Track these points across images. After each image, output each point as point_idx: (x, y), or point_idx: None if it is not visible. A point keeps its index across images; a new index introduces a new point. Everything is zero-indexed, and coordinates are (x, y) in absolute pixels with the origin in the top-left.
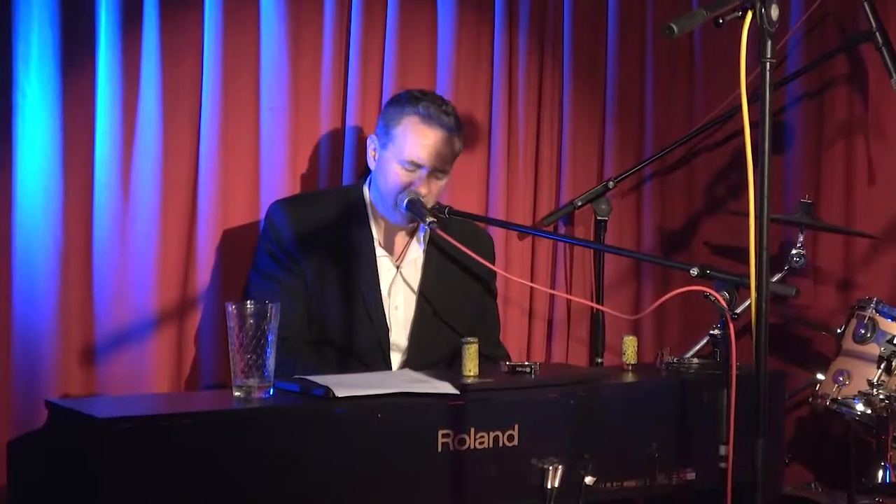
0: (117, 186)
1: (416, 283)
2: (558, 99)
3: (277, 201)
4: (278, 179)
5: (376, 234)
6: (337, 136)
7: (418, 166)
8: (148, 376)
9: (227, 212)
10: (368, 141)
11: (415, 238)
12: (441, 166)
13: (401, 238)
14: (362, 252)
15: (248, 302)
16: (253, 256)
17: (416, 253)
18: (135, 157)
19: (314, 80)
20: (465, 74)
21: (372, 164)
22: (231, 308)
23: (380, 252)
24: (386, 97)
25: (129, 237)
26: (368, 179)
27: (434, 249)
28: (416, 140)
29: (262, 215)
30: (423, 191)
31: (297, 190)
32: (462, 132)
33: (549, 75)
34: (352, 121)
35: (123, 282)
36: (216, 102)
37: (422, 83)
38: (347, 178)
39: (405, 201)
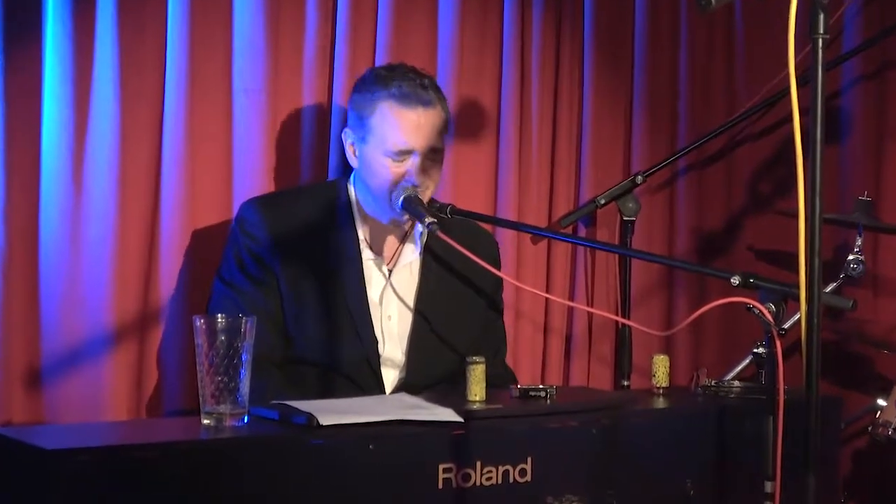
0: (67, 180)
1: (410, 291)
2: (578, 81)
3: (250, 200)
4: (254, 173)
5: (364, 235)
6: (322, 123)
7: (408, 153)
8: (103, 401)
9: (195, 210)
10: (343, 136)
11: (408, 239)
12: (433, 145)
13: (392, 239)
14: (347, 256)
15: (219, 315)
16: (219, 264)
17: (410, 256)
18: (88, 146)
19: (295, 58)
20: (469, 53)
21: (353, 162)
22: (199, 322)
23: (368, 255)
24: None
25: (81, 239)
26: (354, 175)
27: (430, 253)
28: (398, 125)
29: (234, 214)
30: (420, 179)
31: (275, 185)
32: (444, 100)
33: (567, 54)
34: (339, 106)
35: (74, 291)
36: (182, 84)
37: (420, 62)
38: (334, 172)
39: (401, 199)
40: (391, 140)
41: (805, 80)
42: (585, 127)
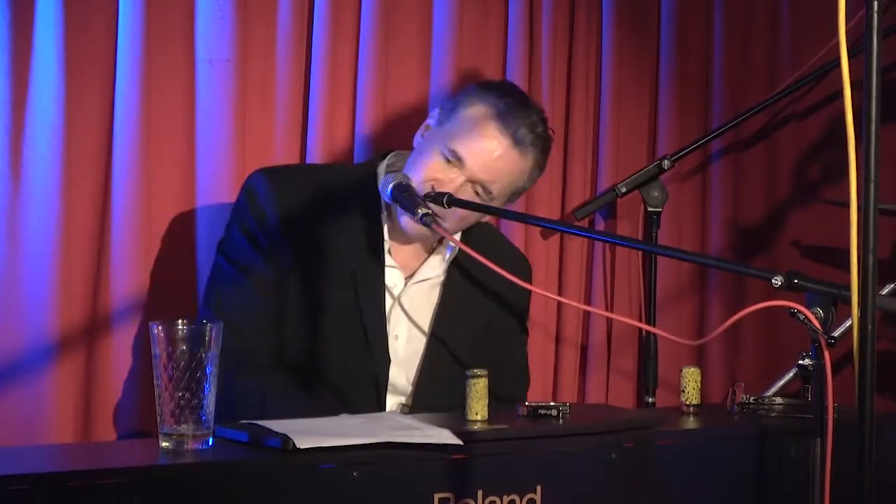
0: (3, 166)
1: (424, 310)
2: (595, 48)
3: (260, 170)
4: (220, 158)
5: (388, 235)
6: (297, 101)
7: (459, 163)
8: (45, 421)
9: (152, 201)
10: (431, 114)
11: (436, 253)
12: (488, 178)
13: (414, 252)
14: (368, 255)
15: (179, 322)
16: (222, 237)
17: (433, 271)
18: (27, 126)
19: (268, 25)
20: (470, 16)
21: (417, 141)
22: (157, 329)
23: (388, 260)
24: (363, 47)
25: (19, 235)
26: (389, 160)
27: (456, 271)
28: (475, 133)
29: (197, 205)
30: (446, 189)
31: (244, 172)
32: (540, 167)
33: (583, 16)
34: (317, 82)
35: (12, 295)
36: (136, 53)
37: (410, 35)
38: (312, 156)
39: (389, 187)
40: (457, 139)
41: (858, 50)
42: (604, 102)
